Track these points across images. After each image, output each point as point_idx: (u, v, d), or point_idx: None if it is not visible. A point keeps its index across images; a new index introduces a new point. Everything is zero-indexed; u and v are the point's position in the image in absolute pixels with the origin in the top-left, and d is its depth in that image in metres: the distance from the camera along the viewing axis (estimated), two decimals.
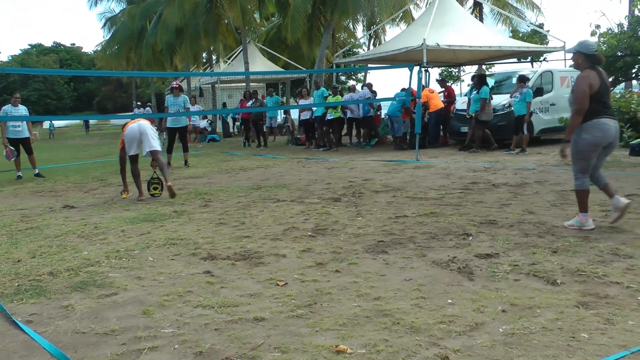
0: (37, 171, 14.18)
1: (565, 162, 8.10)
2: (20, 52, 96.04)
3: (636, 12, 28.42)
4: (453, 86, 21.90)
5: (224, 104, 31.12)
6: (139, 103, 41.12)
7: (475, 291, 4.47)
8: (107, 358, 3.50)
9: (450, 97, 19.07)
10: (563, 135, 16.11)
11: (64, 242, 6.67)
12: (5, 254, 6.20)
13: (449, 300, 4.29)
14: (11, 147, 13.85)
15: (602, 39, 30.34)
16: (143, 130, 9.74)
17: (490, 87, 16.31)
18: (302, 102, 20.43)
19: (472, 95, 16.10)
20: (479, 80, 16.22)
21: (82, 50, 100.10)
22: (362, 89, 21.04)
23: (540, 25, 33.25)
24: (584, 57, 6.36)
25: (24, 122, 14.20)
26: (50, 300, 4.63)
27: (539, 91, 16.44)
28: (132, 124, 9.82)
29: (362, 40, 43.35)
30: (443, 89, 19.55)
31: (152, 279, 5.10)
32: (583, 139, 6.29)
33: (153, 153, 9.81)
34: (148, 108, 37.05)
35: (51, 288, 4.94)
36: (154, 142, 9.81)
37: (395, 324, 3.85)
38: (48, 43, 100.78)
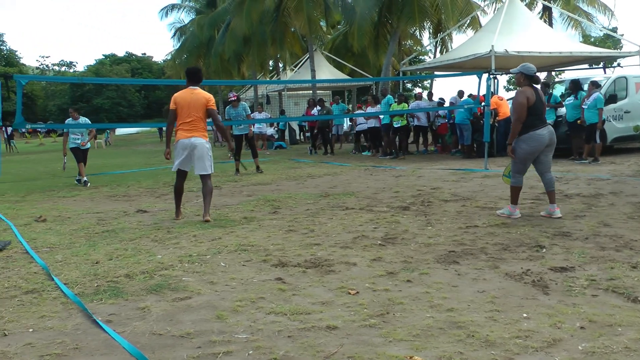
0: (85, 179, 14.44)
1: None
2: (95, 62, 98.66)
3: None
4: None
5: (282, 111, 31.34)
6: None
7: (551, 306, 4.37)
8: None
9: None
10: (638, 143, 15.73)
11: (139, 246, 6.85)
12: (84, 255, 6.40)
13: (524, 315, 4.20)
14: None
15: None
16: (193, 145, 8.43)
17: (561, 94, 15.97)
18: (368, 109, 20.44)
19: (569, 102, 15.63)
20: (575, 86, 15.61)
21: (153, 60, 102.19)
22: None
23: (614, 29, 32.53)
24: (524, 76, 7.76)
25: (85, 133, 14.76)
26: (127, 302, 4.75)
27: (612, 98, 16.03)
28: (184, 140, 8.42)
29: (428, 48, 43.10)
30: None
31: (225, 284, 5.18)
32: (522, 149, 7.73)
33: (202, 177, 8.59)
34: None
35: (128, 290, 5.07)
36: (207, 162, 8.55)
37: (469, 337, 3.80)
38: (121, 53, 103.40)
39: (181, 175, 8.71)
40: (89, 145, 14.94)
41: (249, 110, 16.10)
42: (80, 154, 14.56)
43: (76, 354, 3.73)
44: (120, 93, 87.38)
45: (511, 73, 8.49)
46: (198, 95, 8.62)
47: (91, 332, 4.08)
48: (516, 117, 7.67)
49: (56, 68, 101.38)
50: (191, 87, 8.75)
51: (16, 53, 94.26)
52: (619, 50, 24.33)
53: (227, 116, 15.38)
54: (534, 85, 7.82)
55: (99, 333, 4.05)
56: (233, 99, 15.23)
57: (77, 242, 7.24)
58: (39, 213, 9.57)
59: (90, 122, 15.73)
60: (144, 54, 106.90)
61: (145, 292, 5.00)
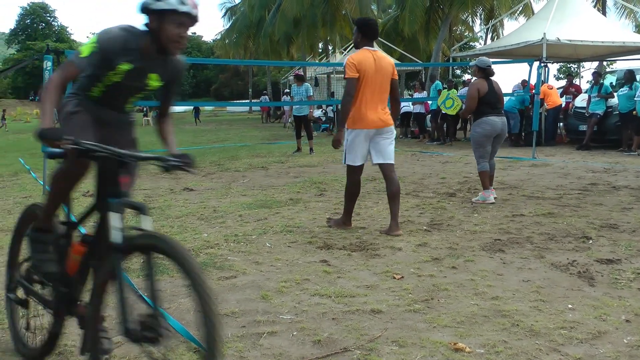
0: None
1: None
2: None
3: None
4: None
5: (332, 94, 31.23)
6: (287, 91, 38.73)
7: (596, 298, 4.30)
8: (227, 339, 3.59)
9: (578, 93, 18.43)
10: None
11: (185, 224, 6.91)
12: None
13: (569, 305, 4.14)
14: None
15: None
16: (382, 132, 6.46)
17: (610, 84, 15.64)
18: (416, 95, 20.28)
19: (622, 92, 15.25)
20: (630, 76, 15.26)
21: (202, 39, 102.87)
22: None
23: None
24: (479, 69, 8.45)
25: None
26: (172, 278, 4.77)
27: None
28: (371, 129, 6.37)
29: (479, 34, 42.56)
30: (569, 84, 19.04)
31: (270, 265, 5.21)
32: (477, 132, 8.34)
33: (387, 169, 6.54)
34: (265, 97, 37.32)
35: (173, 267, 5.11)
36: (393, 147, 6.60)
37: (514, 326, 3.77)
38: None
39: (360, 170, 6.61)
40: None
41: (312, 92, 16.05)
42: None
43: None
44: None
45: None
46: (382, 61, 6.39)
47: (136, 308, 4.13)
48: (466, 107, 8.60)
49: None
50: (368, 47, 6.42)
51: (67, 29, 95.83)
52: None
53: (291, 93, 15.34)
54: (489, 76, 8.44)
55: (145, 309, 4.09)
56: (300, 74, 15.18)
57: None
58: (87, 188, 9.70)
59: None
60: (194, 33, 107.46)
61: None
